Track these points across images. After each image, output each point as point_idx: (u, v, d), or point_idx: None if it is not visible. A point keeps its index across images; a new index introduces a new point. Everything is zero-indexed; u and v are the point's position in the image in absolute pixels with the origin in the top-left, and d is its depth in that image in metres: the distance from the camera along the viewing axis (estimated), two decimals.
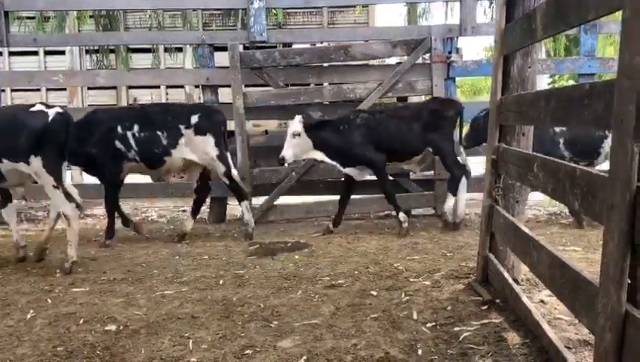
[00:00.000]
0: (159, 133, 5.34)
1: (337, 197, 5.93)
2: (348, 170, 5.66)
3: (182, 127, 5.35)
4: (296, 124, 5.47)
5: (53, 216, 4.76)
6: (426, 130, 5.60)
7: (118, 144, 5.33)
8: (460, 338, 2.89)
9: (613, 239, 1.69)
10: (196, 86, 8.44)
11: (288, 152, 5.44)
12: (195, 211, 5.71)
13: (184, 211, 7.39)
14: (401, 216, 5.53)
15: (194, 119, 5.36)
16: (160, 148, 5.36)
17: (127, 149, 5.35)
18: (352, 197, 6.39)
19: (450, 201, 5.71)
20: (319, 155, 5.61)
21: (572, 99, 2.17)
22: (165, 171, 5.76)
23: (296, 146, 5.46)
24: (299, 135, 5.45)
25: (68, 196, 4.45)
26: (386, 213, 6.45)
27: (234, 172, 5.54)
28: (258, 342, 2.94)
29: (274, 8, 8.77)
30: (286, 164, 5.69)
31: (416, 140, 5.61)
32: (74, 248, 4.45)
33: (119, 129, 5.33)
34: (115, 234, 5.50)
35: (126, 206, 7.93)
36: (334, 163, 5.64)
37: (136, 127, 5.34)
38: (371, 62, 7.07)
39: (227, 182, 5.50)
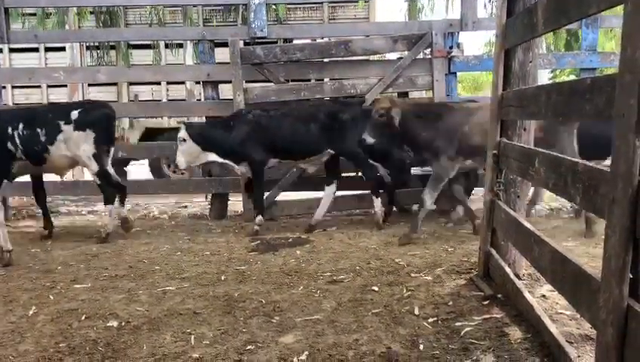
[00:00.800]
0: (39, 130, 5.33)
1: (338, 193, 5.92)
2: (242, 168, 5.69)
3: (61, 123, 5.33)
4: (181, 131, 5.55)
5: None
6: (324, 132, 5.59)
7: (9, 144, 5.33)
8: (462, 333, 2.89)
9: (615, 233, 1.69)
10: (197, 82, 8.43)
11: (180, 159, 5.57)
12: (122, 201, 5.62)
13: (185, 207, 7.41)
14: (258, 219, 5.56)
15: (74, 115, 5.33)
16: (39, 145, 5.34)
17: (14, 148, 5.34)
18: (353, 193, 6.39)
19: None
20: (213, 156, 5.65)
21: (573, 94, 2.17)
22: (54, 168, 5.67)
23: (186, 152, 5.54)
24: (184, 141, 5.51)
25: None
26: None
27: (111, 171, 5.49)
28: (260, 338, 2.95)
29: (274, 4, 8.74)
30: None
31: (313, 141, 5.60)
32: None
33: (9, 129, 5.32)
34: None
35: (127, 203, 7.98)
36: (228, 162, 5.68)
37: (21, 126, 5.32)
38: (372, 57, 7.04)
39: (98, 182, 5.43)
